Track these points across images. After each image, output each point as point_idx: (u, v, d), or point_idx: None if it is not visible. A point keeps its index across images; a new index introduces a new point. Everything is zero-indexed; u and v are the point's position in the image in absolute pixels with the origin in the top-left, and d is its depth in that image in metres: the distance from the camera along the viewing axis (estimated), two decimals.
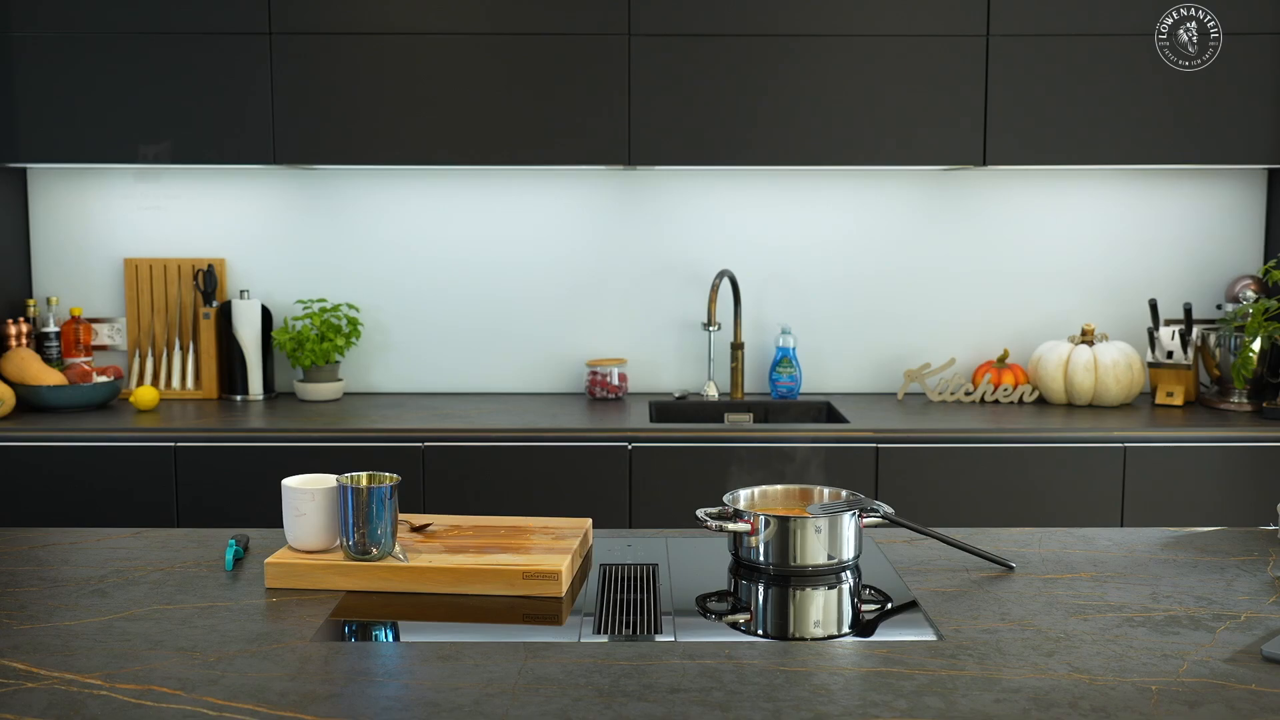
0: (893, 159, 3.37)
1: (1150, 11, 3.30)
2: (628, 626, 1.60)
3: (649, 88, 3.30)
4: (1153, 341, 3.55)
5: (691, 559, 1.96)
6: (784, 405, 3.62)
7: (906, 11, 3.30)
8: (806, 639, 1.62)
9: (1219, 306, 3.66)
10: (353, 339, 3.64)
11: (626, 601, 1.70)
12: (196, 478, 3.15)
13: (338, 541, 1.78)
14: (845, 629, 1.67)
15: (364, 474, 1.78)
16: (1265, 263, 3.67)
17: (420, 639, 1.57)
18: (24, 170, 3.67)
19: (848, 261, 3.71)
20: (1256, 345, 3.37)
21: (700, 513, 1.85)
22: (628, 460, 3.15)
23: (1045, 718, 1.29)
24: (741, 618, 1.70)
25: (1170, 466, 3.15)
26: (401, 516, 1.89)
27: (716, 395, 3.65)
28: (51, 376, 3.42)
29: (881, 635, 1.59)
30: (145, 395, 3.43)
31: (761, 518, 1.79)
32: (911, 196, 3.72)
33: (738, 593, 1.78)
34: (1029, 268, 3.74)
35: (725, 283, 3.67)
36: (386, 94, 3.33)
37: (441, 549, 1.81)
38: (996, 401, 3.57)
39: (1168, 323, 3.62)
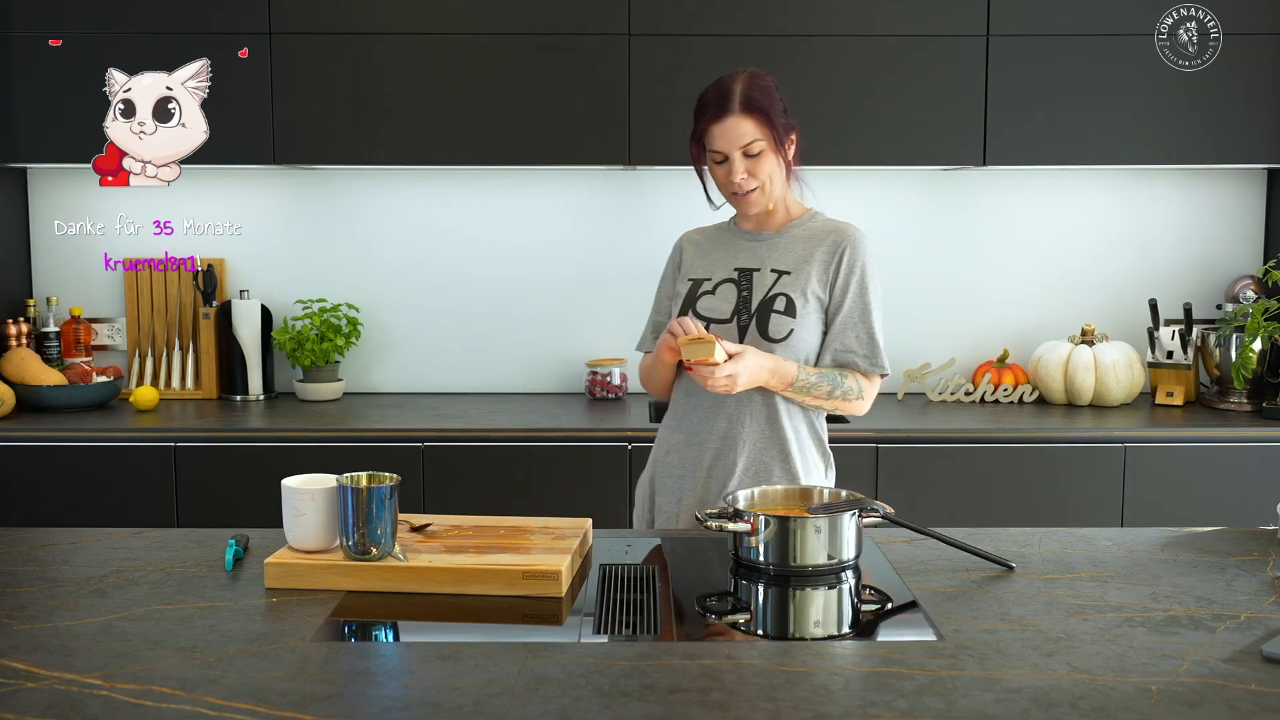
0: (893, 159, 3.37)
1: (1150, 11, 3.30)
2: (628, 626, 1.60)
3: (649, 88, 3.30)
4: (1153, 341, 3.55)
5: (691, 559, 1.95)
6: None
7: (906, 11, 3.30)
8: (806, 639, 1.62)
9: (1219, 306, 3.66)
10: (353, 339, 3.64)
11: (626, 601, 1.70)
12: (196, 478, 3.15)
13: (338, 541, 1.78)
14: (845, 629, 1.67)
15: (364, 474, 1.78)
16: (1265, 263, 3.67)
17: (420, 639, 1.57)
18: (24, 170, 3.67)
19: None
20: (1256, 345, 3.37)
21: (700, 513, 1.85)
22: (628, 460, 3.15)
23: (1045, 718, 1.29)
24: (741, 618, 1.70)
25: (1170, 466, 3.15)
26: (401, 516, 1.89)
27: None
28: (51, 376, 3.42)
29: (881, 635, 1.59)
30: (145, 395, 3.43)
31: (761, 518, 1.79)
32: (911, 197, 3.71)
33: (738, 593, 1.78)
34: (1029, 267, 3.74)
35: None
36: (386, 94, 3.32)
37: (441, 549, 1.81)
38: (996, 401, 3.57)
39: (1168, 323, 3.62)
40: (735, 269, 2.30)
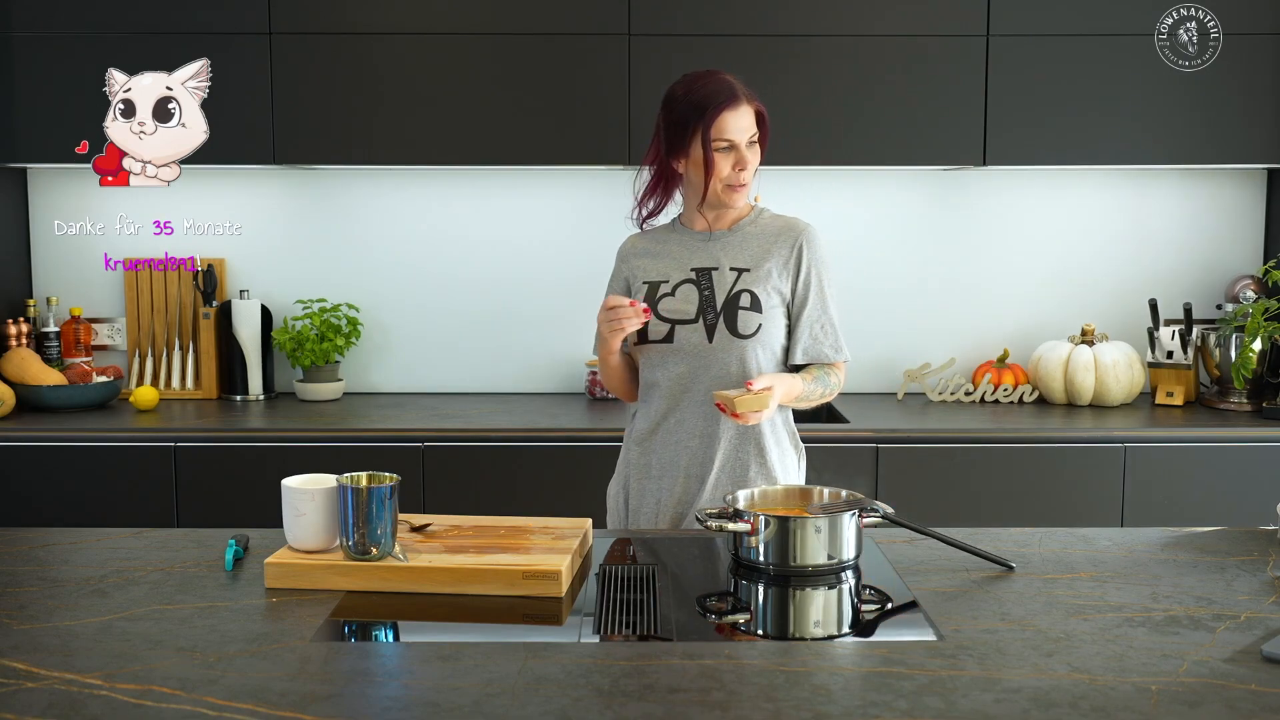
0: (893, 159, 3.37)
1: (1150, 11, 3.30)
2: (628, 626, 1.60)
3: (649, 88, 3.30)
4: (1153, 341, 3.55)
5: (691, 559, 1.95)
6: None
7: (906, 11, 3.30)
8: (806, 639, 1.62)
9: (1219, 306, 3.66)
10: (353, 339, 3.64)
11: (626, 601, 1.70)
12: (196, 478, 3.15)
13: (338, 541, 1.78)
14: (845, 629, 1.67)
15: (364, 474, 1.78)
16: (1265, 263, 3.66)
17: (420, 639, 1.57)
18: (24, 170, 3.67)
19: (848, 261, 3.71)
20: (1256, 345, 3.37)
21: (700, 513, 1.85)
22: None
23: (1045, 718, 1.29)
24: (741, 618, 1.70)
25: (1170, 466, 3.15)
26: (401, 516, 1.89)
27: None
28: (51, 376, 3.42)
29: (881, 635, 1.59)
30: (145, 395, 3.43)
31: (761, 518, 1.79)
32: (911, 196, 3.71)
33: (738, 593, 1.78)
34: (1029, 267, 3.74)
35: None
36: (386, 94, 3.32)
37: (441, 549, 1.81)
38: (996, 401, 3.57)
39: (1168, 323, 3.62)
40: (692, 269, 2.32)
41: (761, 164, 2.31)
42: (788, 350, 2.33)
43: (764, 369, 2.27)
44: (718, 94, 2.24)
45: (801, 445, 2.41)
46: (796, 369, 2.33)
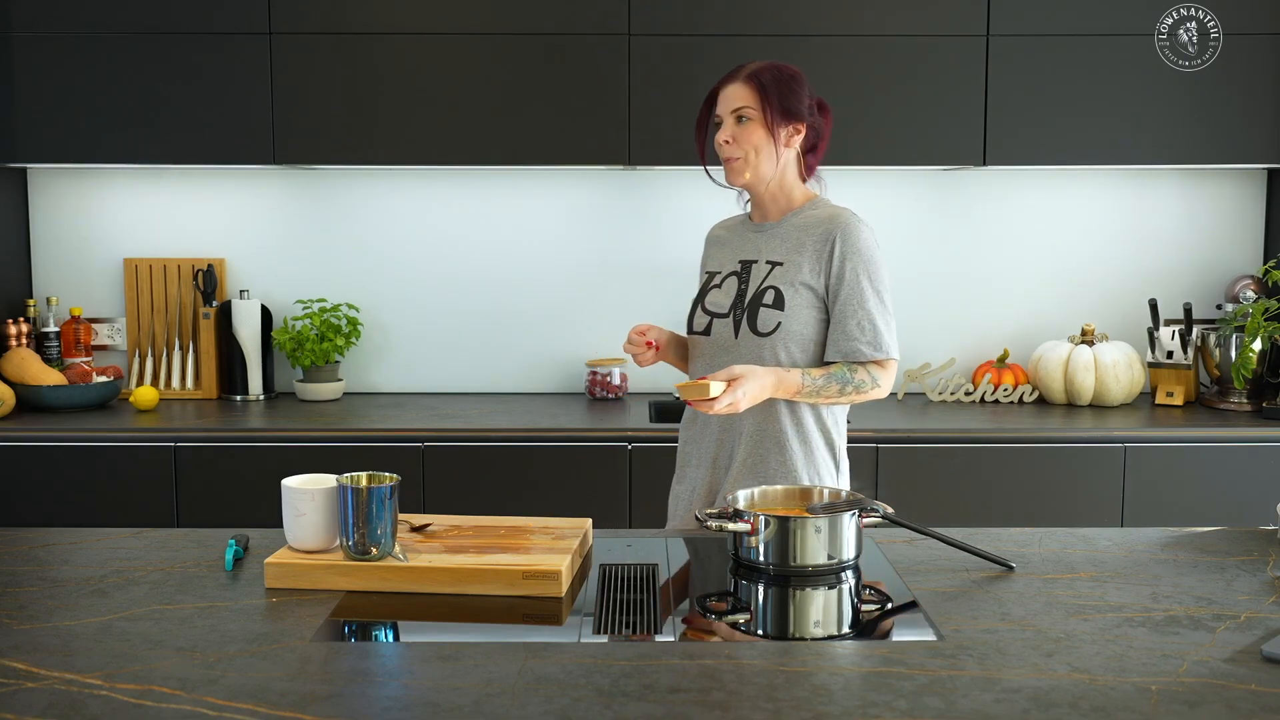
0: (893, 159, 3.37)
1: (1150, 11, 3.30)
2: (628, 626, 1.60)
3: (649, 88, 3.30)
4: (1153, 341, 3.55)
5: (691, 559, 1.95)
6: None
7: (906, 11, 3.30)
8: (806, 639, 1.62)
9: (1219, 306, 3.66)
10: (353, 339, 3.64)
11: (626, 601, 1.70)
12: (196, 478, 3.15)
13: (338, 541, 1.78)
14: (845, 629, 1.67)
15: (364, 474, 1.78)
16: (1265, 263, 3.67)
17: (420, 639, 1.57)
18: (24, 170, 3.67)
19: None
20: (1256, 345, 3.37)
21: (700, 513, 1.85)
22: (628, 460, 3.15)
23: (1045, 718, 1.29)
24: (741, 618, 1.70)
25: (1170, 466, 3.15)
26: (401, 516, 1.89)
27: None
28: (51, 376, 3.42)
29: (881, 635, 1.59)
30: (145, 395, 3.43)
31: (761, 518, 1.79)
32: (911, 196, 3.71)
33: (738, 593, 1.78)
34: (1029, 267, 3.74)
35: None
36: (386, 94, 3.32)
37: (441, 549, 1.81)
38: (996, 401, 3.57)
39: (1168, 323, 3.62)
40: (739, 261, 2.33)
41: None
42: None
43: (792, 365, 2.23)
44: (723, 79, 2.29)
45: (844, 455, 2.34)
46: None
